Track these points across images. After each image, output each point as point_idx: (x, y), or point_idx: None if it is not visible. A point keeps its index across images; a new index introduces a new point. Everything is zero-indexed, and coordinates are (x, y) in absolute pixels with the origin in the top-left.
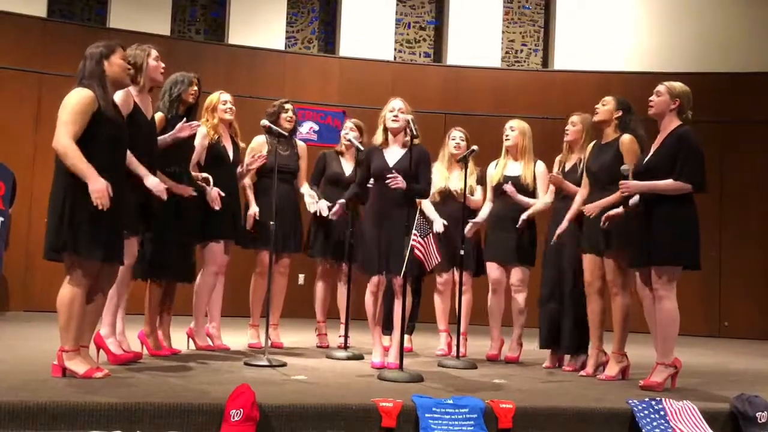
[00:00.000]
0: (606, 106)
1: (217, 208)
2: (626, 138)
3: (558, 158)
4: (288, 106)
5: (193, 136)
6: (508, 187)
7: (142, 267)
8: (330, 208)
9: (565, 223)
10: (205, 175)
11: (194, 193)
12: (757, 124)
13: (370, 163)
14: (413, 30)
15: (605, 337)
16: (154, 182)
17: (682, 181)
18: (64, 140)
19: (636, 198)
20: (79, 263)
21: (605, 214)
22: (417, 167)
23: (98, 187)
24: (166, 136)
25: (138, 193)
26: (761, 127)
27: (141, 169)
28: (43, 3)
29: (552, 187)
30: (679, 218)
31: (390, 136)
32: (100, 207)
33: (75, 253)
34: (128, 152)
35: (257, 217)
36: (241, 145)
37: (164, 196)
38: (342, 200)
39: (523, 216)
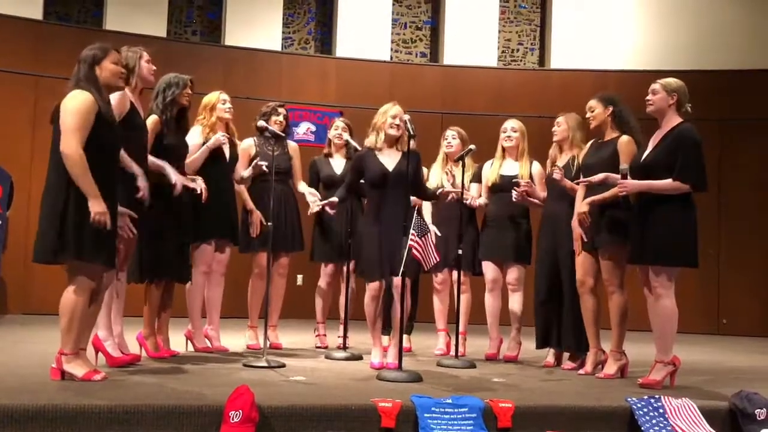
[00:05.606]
0: (595, 111)
1: (203, 199)
2: (624, 139)
3: (549, 155)
4: (281, 110)
5: (186, 136)
6: (520, 183)
7: (139, 269)
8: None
9: (577, 229)
10: (197, 178)
11: (189, 184)
12: (756, 122)
13: (363, 168)
14: (410, 30)
15: (604, 335)
16: (146, 183)
17: (681, 181)
18: (77, 149)
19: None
20: (83, 268)
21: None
22: (415, 171)
23: (100, 210)
24: (199, 152)
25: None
26: (760, 125)
27: (135, 168)
28: (39, 5)
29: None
30: (677, 218)
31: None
32: (99, 227)
33: (78, 258)
34: (122, 151)
35: (262, 220)
36: (238, 143)
37: (146, 194)
38: (335, 199)
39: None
